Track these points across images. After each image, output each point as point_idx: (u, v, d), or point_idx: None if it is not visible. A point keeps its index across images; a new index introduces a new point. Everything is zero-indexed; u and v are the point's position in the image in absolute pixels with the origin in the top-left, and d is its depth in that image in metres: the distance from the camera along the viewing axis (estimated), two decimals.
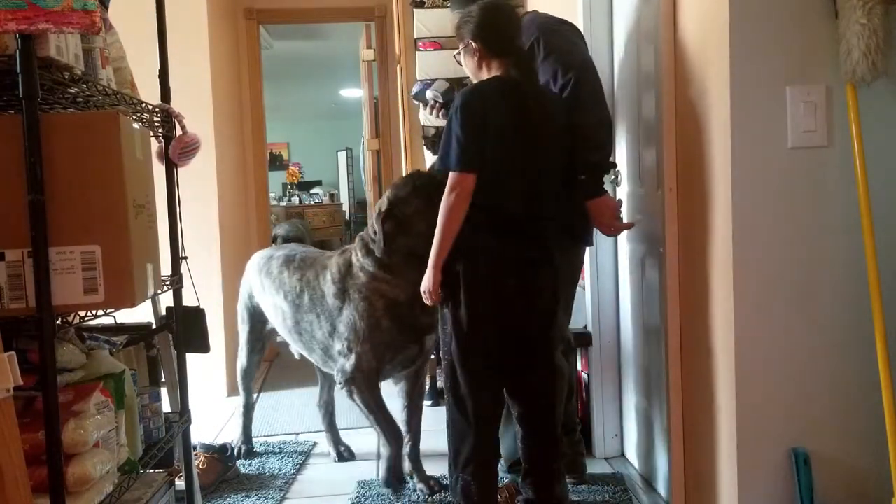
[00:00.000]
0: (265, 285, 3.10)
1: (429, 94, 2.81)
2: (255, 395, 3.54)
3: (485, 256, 2.31)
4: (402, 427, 2.92)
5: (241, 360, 3.38)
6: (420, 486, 2.88)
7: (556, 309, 2.48)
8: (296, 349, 3.16)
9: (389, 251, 2.68)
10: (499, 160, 2.27)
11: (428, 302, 2.36)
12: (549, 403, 2.46)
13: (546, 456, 2.45)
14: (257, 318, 3.28)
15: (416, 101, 3.09)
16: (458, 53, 2.49)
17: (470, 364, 2.35)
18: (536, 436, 2.45)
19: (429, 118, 3.08)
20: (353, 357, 2.75)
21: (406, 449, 2.92)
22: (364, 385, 2.76)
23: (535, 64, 2.49)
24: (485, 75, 2.40)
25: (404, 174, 2.94)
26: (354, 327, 2.74)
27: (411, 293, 2.53)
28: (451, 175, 2.27)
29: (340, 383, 2.80)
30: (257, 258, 3.27)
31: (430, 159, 4.24)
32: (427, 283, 2.33)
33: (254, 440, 3.48)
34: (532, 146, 2.32)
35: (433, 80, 2.97)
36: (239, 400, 3.45)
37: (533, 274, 2.36)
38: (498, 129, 2.26)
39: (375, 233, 2.71)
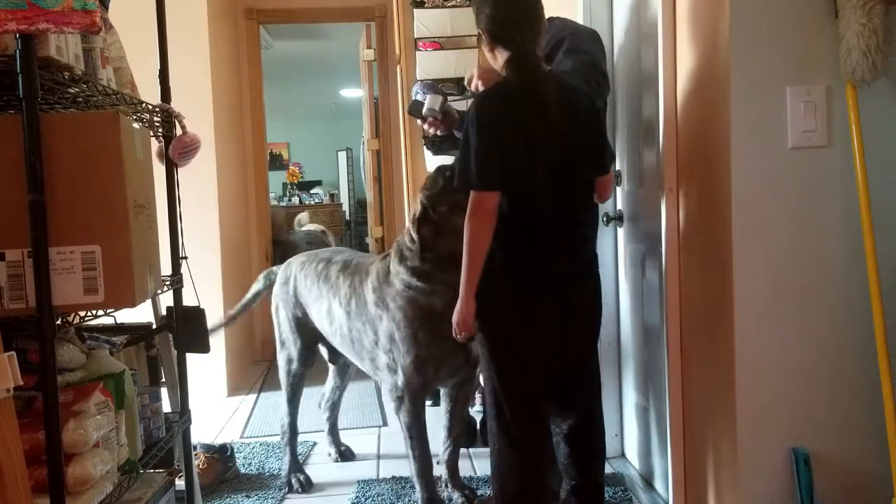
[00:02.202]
0: (322, 291, 2.93)
1: (425, 111, 2.70)
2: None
3: (513, 280, 2.11)
4: (443, 432, 2.87)
5: (295, 371, 3.10)
6: (455, 494, 2.80)
7: (599, 322, 2.33)
8: (351, 358, 2.99)
9: (425, 258, 2.55)
10: (522, 169, 2.05)
11: (459, 337, 2.15)
12: (591, 420, 2.31)
13: (595, 471, 2.32)
14: (304, 327, 3.07)
15: (411, 115, 2.94)
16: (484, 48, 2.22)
17: (509, 391, 2.16)
18: (582, 446, 2.29)
19: (430, 133, 3.00)
20: (400, 375, 2.65)
21: (445, 456, 2.85)
22: (410, 407, 2.66)
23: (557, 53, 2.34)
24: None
25: (430, 172, 2.77)
26: (393, 338, 2.64)
27: (449, 300, 2.28)
28: (472, 194, 2.05)
29: (392, 399, 2.71)
30: (314, 263, 3.04)
31: (430, 159, 4.24)
32: (460, 314, 2.12)
33: (254, 440, 3.48)
34: (555, 147, 2.08)
35: (425, 91, 2.85)
36: (282, 418, 3.14)
37: (568, 288, 2.17)
38: (516, 134, 2.05)
39: (412, 240, 2.57)
